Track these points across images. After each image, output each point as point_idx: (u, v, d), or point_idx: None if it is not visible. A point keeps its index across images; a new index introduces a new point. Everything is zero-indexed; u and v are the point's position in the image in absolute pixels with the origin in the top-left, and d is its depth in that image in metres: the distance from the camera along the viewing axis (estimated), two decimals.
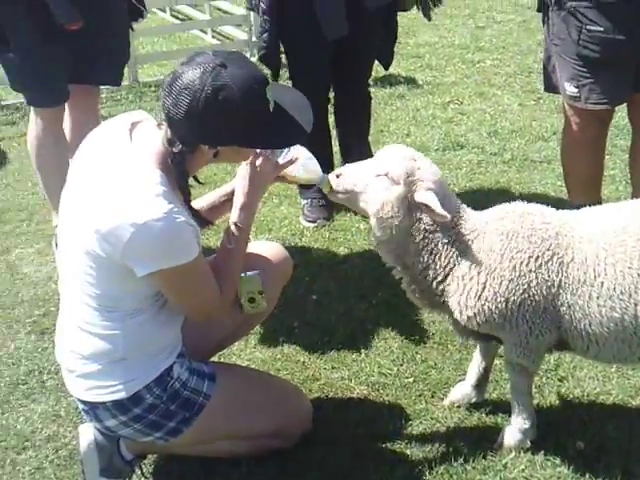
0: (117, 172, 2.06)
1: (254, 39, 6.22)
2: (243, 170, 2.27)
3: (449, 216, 2.19)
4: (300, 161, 2.32)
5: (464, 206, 2.34)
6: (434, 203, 2.17)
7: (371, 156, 3.98)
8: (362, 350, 2.96)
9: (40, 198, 4.14)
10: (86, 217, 2.07)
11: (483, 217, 2.31)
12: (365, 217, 3.77)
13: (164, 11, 7.33)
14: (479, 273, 2.22)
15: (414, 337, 3.01)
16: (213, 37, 6.93)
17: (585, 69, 3.05)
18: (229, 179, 4.23)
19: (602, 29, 2.93)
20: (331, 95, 3.97)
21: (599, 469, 2.32)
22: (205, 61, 1.99)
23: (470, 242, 2.25)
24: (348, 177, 2.32)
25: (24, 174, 4.49)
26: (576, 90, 3.12)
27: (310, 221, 3.88)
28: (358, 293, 3.31)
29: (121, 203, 1.99)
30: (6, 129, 5.19)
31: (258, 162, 2.25)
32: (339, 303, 3.26)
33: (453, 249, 2.25)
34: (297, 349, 2.99)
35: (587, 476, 2.31)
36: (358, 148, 3.98)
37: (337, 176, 2.34)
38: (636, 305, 2.14)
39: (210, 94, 1.95)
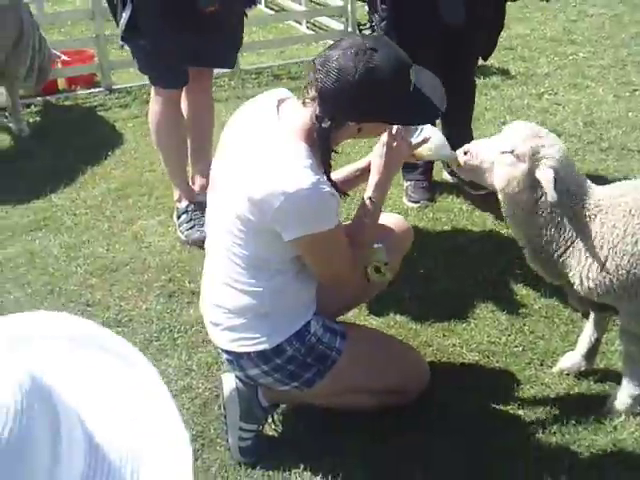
0: (267, 144, 2.27)
1: (350, 29, 6.42)
2: (379, 149, 2.46)
3: (555, 198, 2.31)
4: (431, 140, 2.49)
5: (588, 181, 2.47)
6: (548, 183, 2.31)
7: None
8: (471, 321, 3.13)
9: (158, 175, 4.42)
10: (239, 185, 2.29)
11: (606, 193, 2.44)
12: (467, 199, 4.00)
13: (259, 2, 7.58)
14: (602, 247, 2.36)
15: (521, 310, 3.16)
16: (308, 28, 7.15)
17: None
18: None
19: None
20: None
21: None
22: (356, 44, 2.19)
23: (593, 217, 2.38)
24: (475, 154, 2.48)
25: (141, 152, 4.78)
26: None
27: (414, 202, 4.06)
28: (464, 269, 3.48)
29: (273, 173, 2.20)
30: (119, 111, 5.50)
31: (394, 143, 2.44)
32: (446, 278, 3.43)
33: (577, 223, 2.39)
34: (409, 318, 3.18)
35: None
36: (460, 134, 4.14)
37: (465, 153, 2.50)
38: None
39: (363, 75, 2.14)
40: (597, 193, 2.43)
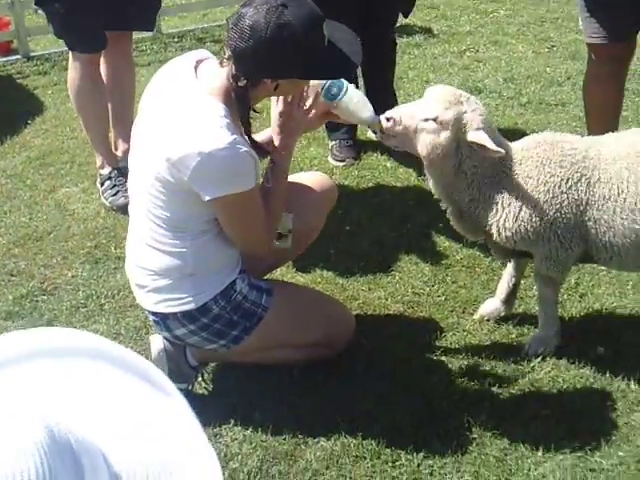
0: (185, 106, 2.27)
1: None
2: (276, 119, 2.46)
3: (504, 152, 2.38)
4: (354, 103, 2.49)
5: (503, 138, 2.53)
6: (489, 142, 2.36)
7: (396, 101, 4.22)
8: (396, 273, 3.20)
9: (80, 142, 4.35)
10: (157, 146, 2.28)
11: (518, 146, 2.52)
12: (391, 156, 4.05)
13: None
14: (517, 198, 2.45)
15: (443, 262, 3.25)
16: None
17: (585, 3, 3.26)
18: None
19: None
20: None
21: (617, 370, 2.59)
22: (267, 1, 2.18)
23: (509, 170, 2.47)
24: (398, 120, 2.47)
25: (61, 120, 4.69)
26: (581, 23, 3.36)
27: (339, 160, 4.09)
28: (388, 224, 3.55)
29: (189, 134, 2.20)
30: (38, 79, 5.36)
31: (291, 112, 2.43)
32: (371, 233, 3.49)
33: (496, 179, 2.47)
34: (335, 273, 3.23)
35: (607, 375, 2.57)
36: (384, 93, 4.18)
37: (387, 119, 2.49)
38: None
39: (275, 31, 2.14)
40: (512, 148, 2.51)
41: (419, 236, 3.43)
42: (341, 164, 4.07)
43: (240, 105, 2.27)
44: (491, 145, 2.37)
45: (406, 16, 4.22)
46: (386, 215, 3.62)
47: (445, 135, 2.41)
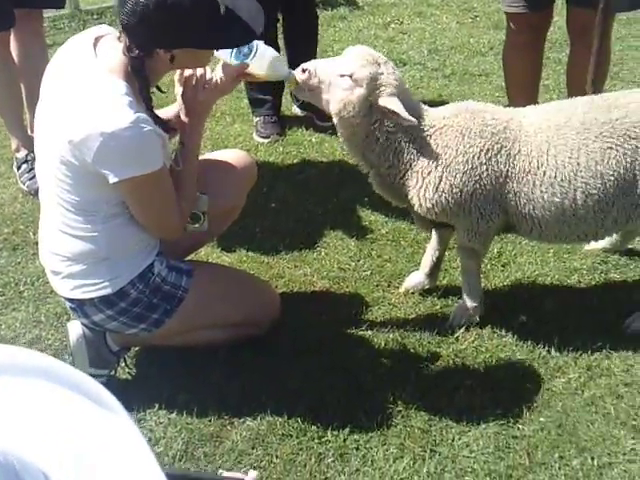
0: (84, 84, 2.17)
1: None
2: (179, 99, 2.40)
3: (415, 121, 2.35)
4: (266, 59, 2.41)
5: (420, 104, 2.51)
6: (400, 109, 2.32)
7: None
8: (321, 250, 3.18)
9: None
10: (59, 129, 2.18)
11: (439, 113, 2.49)
12: (316, 131, 4.02)
13: None
14: (436, 167, 2.42)
15: (369, 236, 3.24)
16: None
17: None
18: None
19: None
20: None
21: (539, 337, 2.63)
22: None
23: (428, 138, 2.43)
24: (313, 74, 2.43)
25: None
26: None
27: (264, 137, 4.04)
28: (314, 200, 3.52)
29: (90, 114, 2.10)
30: None
31: (194, 94, 2.36)
32: (297, 210, 3.46)
33: (414, 146, 2.43)
34: (261, 251, 3.20)
35: (529, 343, 2.61)
36: None
37: (303, 71, 2.44)
38: (575, 190, 2.39)
39: None
40: (431, 115, 2.47)
41: (344, 211, 3.42)
42: (266, 140, 4.02)
43: (138, 78, 2.19)
44: (403, 113, 2.33)
45: None
46: (311, 191, 3.59)
47: (359, 93, 2.37)
